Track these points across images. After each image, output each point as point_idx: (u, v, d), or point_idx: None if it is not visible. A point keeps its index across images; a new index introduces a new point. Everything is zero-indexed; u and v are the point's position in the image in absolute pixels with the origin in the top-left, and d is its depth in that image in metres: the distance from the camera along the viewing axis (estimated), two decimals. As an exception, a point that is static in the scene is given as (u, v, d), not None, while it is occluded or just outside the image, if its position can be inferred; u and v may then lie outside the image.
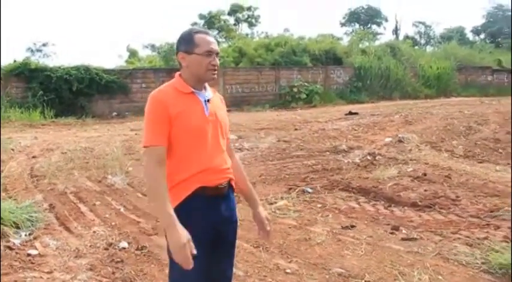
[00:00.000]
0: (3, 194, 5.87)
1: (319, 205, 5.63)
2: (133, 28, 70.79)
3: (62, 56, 58.43)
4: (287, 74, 21.05)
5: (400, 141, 9.74)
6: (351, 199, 5.89)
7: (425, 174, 6.95)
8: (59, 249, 4.34)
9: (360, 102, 20.96)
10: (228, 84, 19.54)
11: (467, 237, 4.48)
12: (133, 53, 28.21)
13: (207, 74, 2.23)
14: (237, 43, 24.88)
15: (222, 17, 43.28)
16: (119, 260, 4.09)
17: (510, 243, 4.07)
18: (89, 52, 58.28)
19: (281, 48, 22.62)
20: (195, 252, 2.04)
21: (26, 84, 16.14)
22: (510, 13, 51.84)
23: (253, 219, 2.62)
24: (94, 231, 4.82)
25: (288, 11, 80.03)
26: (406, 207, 5.52)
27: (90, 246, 4.42)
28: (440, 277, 3.62)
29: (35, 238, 4.58)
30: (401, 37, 44.02)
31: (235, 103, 19.04)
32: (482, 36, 53.72)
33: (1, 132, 10.06)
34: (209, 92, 2.31)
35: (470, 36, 53.02)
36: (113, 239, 4.59)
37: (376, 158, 8.24)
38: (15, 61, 16.79)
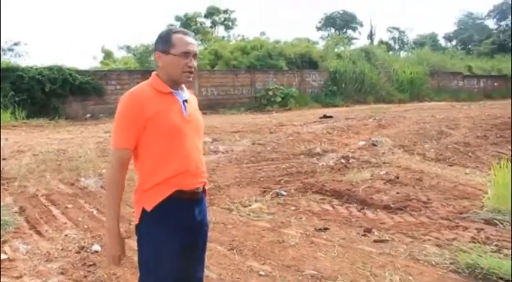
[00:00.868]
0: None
1: (293, 208, 5.67)
2: (108, 29, 70.11)
3: (35, 56, 57.35)
4: (263, 77, 21.12)
5: (373, 144, 9.87)
6: (325, 202, 5.94)
7: (397, 177, 7.06)
8: (29, 253, 4.27)
9: (335, 105, 21.16)
10: (203, 86, 19.49)
11: (437, 238, 4.58)
12: (108, 54, 27.89)
13: (182, 76, 2.19)
14: (213, 46, 24.85)
15: (199, 19, 43.22)
16: (91, 263, 4.05)
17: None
18: (62, 53, 57.50)
19: (257, 51, 22.69)
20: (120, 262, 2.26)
21: (-4, 84, 15.81)
22: (480, 21, 53.17)
23: None
24: (66, 235, 4.76)
25: (265, 14, 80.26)
26: (378, 210, 5.60)
27: (62, 249, 4.36)
28: (410, 277, 3.69)
29: (4, 242, 4.50)
30: (376, 42, 44.71)
31: (210, 106, 19.02)
32: (453, 42, 54.94)
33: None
34: (186, 93, 2.29)
35: (442, 42, 54.29)
36: (85, 242, 4.54)
37: (350, 161, 8.33)
38: (-16, 60, 16.45)
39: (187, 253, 2.26)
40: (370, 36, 48.43)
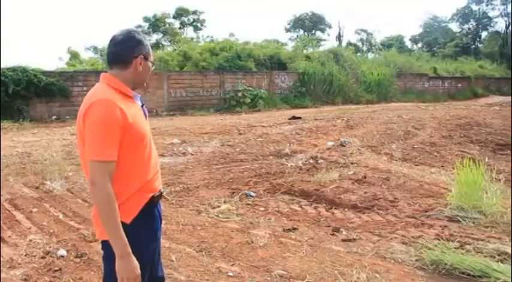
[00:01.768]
0: None
1: (261, 208, 5.69)
2: (75, 29, 68.88)
3: (-2, 57, 55.81)
4: (232, 79, 21.09)
5: (341, 145, 9.98)
6: (293, 202, 5.98)
7: (365, 177, 7.16)
8: (-9, 259, 4.15)
9: (304, 106, 21.29)
10: (172, 88, 19.34)
11: (403, 236, 4.67)
12: (74, 55, 27.34)
13: (145, 82, 2.23)
14: (182, 47, 24.67)
15: (167, 21, 42.96)
16: (56, 268, 3.97)
17: None
18: (27, 53, 56.12)
19: (226, 52, 22.63)
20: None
21: (-44, 85, 15.32)
22: (444, 24, 54.46)
23: None
24: (30, 240, 4.64)
25: (234, 15, 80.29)
26: (346, 209, 5.67)
27: (26, 255, 4.25)
28: (377, 275, 3.75)
29: (-35, 248, 4.37)
30: (344, 44, 45.25)
31: (179, 107, 18.90)
32: (419, 45, 56.09)
33: None
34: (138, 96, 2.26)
35: (408, 44, 55.34)
36: (50, 247, 4.44)
37: (319, 161, 8.40)
38: None
39: (155, 256, 2.26)
40: (339, 37, 49.07)
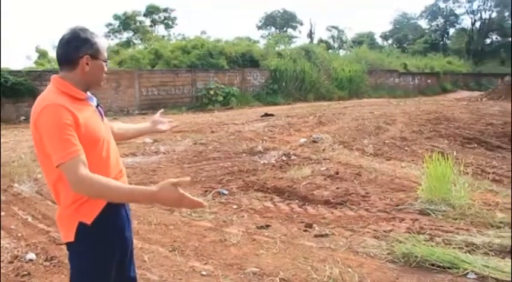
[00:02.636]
0: None
1: (234, 206, 5.68)
2: (43, 28, 67.50)
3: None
4: (204, 77, 21.01)
5: (314, 141, 10.04)
6: (266, 199, 5.98)
7: (337, 173, 7.21)
8: (-43, 265, 4.04)
9: (276, 104, 21.37)
10: (143, 86, 19.16)
11: (375, 230, 4.72)
12: (42, 54, 26.75)
13: (101, 82, 2.15)
14: (153, 45, 24.45)
15: (138, 18, 42.48)
16: (25, 273, 3.88)
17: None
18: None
19: (198, 50, 22.53)
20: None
21: None
22: (413, 21, 55.40)
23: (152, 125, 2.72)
24: (-3, 244, 4.53)
25: (205, 13, 79.93)
26: (319, 205, 5.70)
27: (-7, 260, 4.15)
28: (349, 270, 3.78)
29: None
30: (315, 41, 45.46)
31: (151, 106, 18.73)
32: (390, 41, 56.88)
33: None
34: (94, 98, 2.18)
35: (379, 41, 56.03)
36: (18, 251, 4.34)
37: (291, 158, 8.44)
38: None
39: (124, 257, 2.22)
40: (310, 35, 49.25)
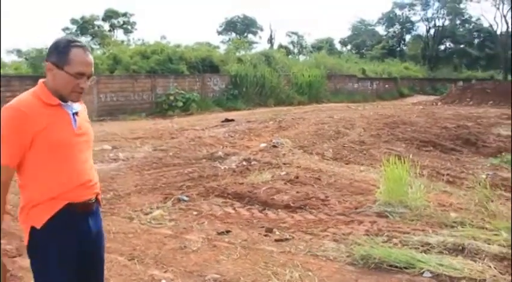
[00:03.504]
0: None
1: (195, 213, 5.63)
2: (-5, 33, 65.24)
3: None
4: (163, 82, 20.79)
5: (274, 146, 10.09)
6: (227, 205, 5.96)
7: (297, 177, 7.26)
8: None
9: (237, 109, 21.36)
10: (102, 92, 18.79)
11: (335, 233, 4.78)
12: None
13: (72, 95, 2.08)
14: (111, 50, 24.05)
15: (96, 23, 41.73)
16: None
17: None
18: None
19: (157, 55, 22.30)
20: None
21: None
22: (371, 27, 56.64)
23: None
24: None
25: (165, 18, 79.31)
26: (279, 210, 5.72)
27: None
28: (309, 273, 3.81)
29: None
30: (275, 46, 45.81)
31: (109, 112, 18.38)
32: (348, 47, 57.88)
33: None
34: (77, 104, 2.17)
35: (338, 46, 56.87)
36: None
37: (252, 163, 8.44)
38: None
39: (85, 266, 2.18)
40: (270, 40, 49.65)
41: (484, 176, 7.15)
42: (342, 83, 30.59)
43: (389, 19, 55.86)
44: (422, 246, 4.21)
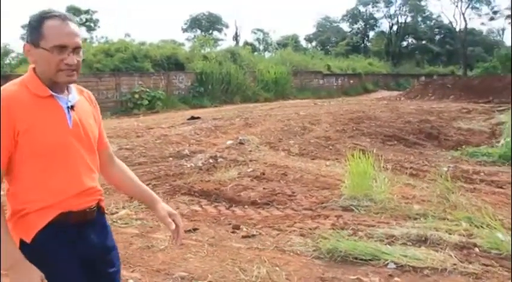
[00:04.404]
0: None
1: (162, 211, 5.57)
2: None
3: None
4: (128, 80, 20.52)
5: (240, 143, 10.08)
6: (194, 203, 5.93)
7: (264, 174, 7.29)
8: None
9: (203, 106, 21.27)
10: (64, 91, 18.42)
11: (301, 228, 4.82)
12: None
13: (59, 75, 1.72)
14: (73, 48, 23.55)
15: (56, 21, 40.71)
16: None
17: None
18: None
19: (122, 53, 21.99)
20: None
21: None
22: (336, 24, 57.31)
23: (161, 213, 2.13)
24: None
25: (129, 15, 78.24)
26: (246, 206, 5.73)
27: None
28: (277, 268, 3.84)
29: None
30: (241, 43, 45.81)
31: (73, 111, 18.04)
32: (313, 43, 58.43)
33: None
34: (74, 95, 1.85)
35: (303, 43, 57.35)
36: None
37: (218, 160, 8.42)
38: None
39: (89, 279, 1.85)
40: (236, 37, 49.69)
41: (445, 169, 7.33)
42: (307, 79, 30.84)
43: (353, 16, 56.69)
44: (387, 238, 4.29)
